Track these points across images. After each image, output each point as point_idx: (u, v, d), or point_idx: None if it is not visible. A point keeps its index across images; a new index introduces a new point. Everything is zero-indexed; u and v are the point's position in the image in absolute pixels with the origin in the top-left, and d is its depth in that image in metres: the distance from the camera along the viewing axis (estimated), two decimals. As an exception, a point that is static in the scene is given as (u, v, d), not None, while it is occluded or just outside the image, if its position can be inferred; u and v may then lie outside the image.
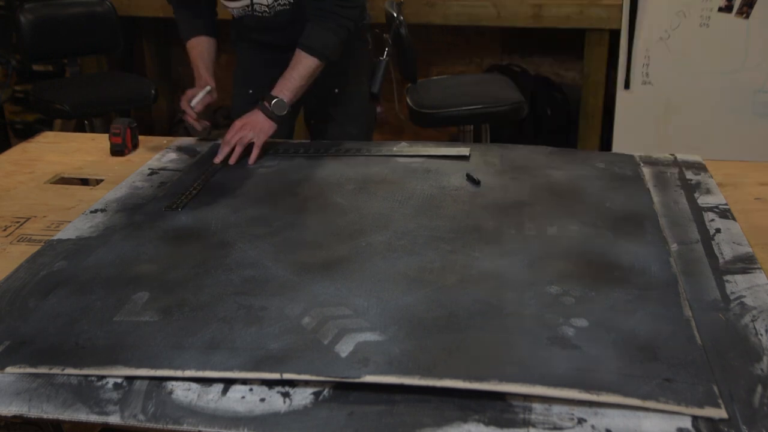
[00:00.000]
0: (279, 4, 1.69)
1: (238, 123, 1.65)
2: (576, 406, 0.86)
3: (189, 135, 1.85)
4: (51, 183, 1.59)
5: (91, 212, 1.41)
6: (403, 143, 1.72)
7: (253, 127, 1.63)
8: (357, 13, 1.72)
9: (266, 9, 1.70)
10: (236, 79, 1.94)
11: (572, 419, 0.85)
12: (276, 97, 1.64)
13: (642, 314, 1.02)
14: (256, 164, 1.62)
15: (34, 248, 1.27)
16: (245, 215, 1.37)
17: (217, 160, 1.62)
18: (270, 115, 1.64)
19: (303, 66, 1.66)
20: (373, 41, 1.95)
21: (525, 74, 3.55)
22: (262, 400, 0.89)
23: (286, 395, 0.90)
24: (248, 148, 1.63)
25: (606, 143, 3.23)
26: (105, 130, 3.21)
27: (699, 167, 1.58)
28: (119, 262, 1.21)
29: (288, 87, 1.65)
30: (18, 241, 1.31)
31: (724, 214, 1.35)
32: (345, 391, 0.90)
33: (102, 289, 1.13)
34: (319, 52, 1.67)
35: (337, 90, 1.69)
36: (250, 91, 1.87)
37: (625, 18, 2.84)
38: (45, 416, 0.89)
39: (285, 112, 1.65)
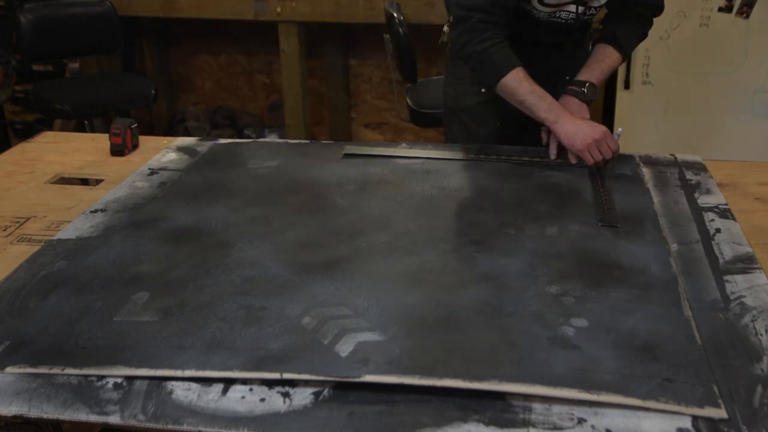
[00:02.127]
0: (586, 14, 1.68)
1: (588, 137, 1.51)
2: (576, 406, 0.86)
3: (189, 135, 1.85)
4: (51, 183, 1.59)
5: (91, 212, 1.41)
6: (403, 144, 1.72)
7: (593, 129, 1.52)
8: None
9: (573, 16, 1.67)
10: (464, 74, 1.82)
11: (572, 419, 0.85)
12: (588, 81, 1.64)
13: (642, 314, 1.02)
14: (256, 164, 1.62)
15: (34, 248, 1.27)
16: (245, 215, 1.37)
17: (554, 155, 1.60)
18: (587, 99, 1.63)
19: (612, 61, 1.69)
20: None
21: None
22: (262, 400, 0.89)
23: (286, 395, 0.90)
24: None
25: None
26: (105, 130, 3.21)
27: (699, 167, 1.58)
28: (119, 262, 1.21)
29: (595, 76, 1.66)
30: (18, 241, 1.31)
31: (724, 214, 1.35)
32: (345, 391, 0.90)
33: (102, 289, 1.13)
34: (626, 52, 1.72)
35: (568, 77, 1.69)
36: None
37: (625, 18, 2.84)
38: (45, 416, 0.89)
39: (596, 98, 1.66)
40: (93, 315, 1.06)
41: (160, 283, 1.14)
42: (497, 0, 1.58)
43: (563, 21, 1.67)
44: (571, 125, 1.53)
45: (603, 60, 1.69)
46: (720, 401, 0.86)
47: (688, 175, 1.54)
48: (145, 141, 1.81)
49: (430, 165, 1.59)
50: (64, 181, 1.62)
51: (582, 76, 1.66)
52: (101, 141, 1.82)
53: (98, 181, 1.60)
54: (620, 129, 1.60)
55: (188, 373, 0.92)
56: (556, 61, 1.76)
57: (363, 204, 1.41)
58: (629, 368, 0.91)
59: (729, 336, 0.99)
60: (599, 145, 1.51)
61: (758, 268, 1.16)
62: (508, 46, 1.60)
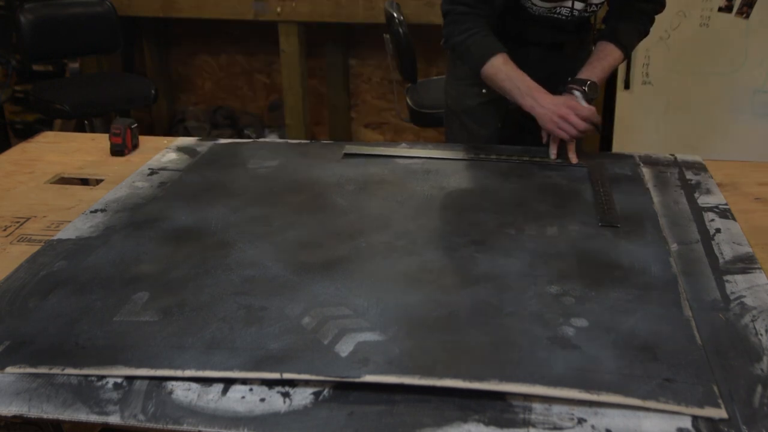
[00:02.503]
0: (587, 11, 1.67)
1: (554, 115, 1.51)
2: (576, 406, 0.86)
3: (189, 135, 1.86)
4: (51, 183, 1.59)
5: (91, 212, 1.41)
6: (403, 144, 1.72)
7: (556, 105, 1.52)
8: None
9: (573, 12, 1.66)
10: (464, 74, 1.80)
11: (572, 419, 0.85)
12: (589, 80, 1.61)
13: (642, 314, 1.02)
14: (256, 164, 1.62)
15: (34, 248, 1.27)
16: (245, 215, 1.37)
17: (554, 155, 1.58)
18: (588, 98, 1.61)
19: (613, 59, 1.68)
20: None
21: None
22: (262, 400, 0.89)
23: (286, 395, 0.90)
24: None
25: (606, 143, 3.23)
26: (105, 130, 3.21)
27: (699, 167, 1.58)
28: (119, 262, 1.21)
29: (596, 74, 1.64)
30: (18, 241, 1.31)
31: (724, 214, 1.35)
32: (345, 391, 0.90)
33: (102, 289, 1.13)
34: (627, 51, 1.70)
35: (569, 78, 1.69)
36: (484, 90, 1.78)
37: (625, 18, 2.84)
38: (45, 416, 0.89)
39: (597, 96, 1.64)
40: (93, 315, 1.06)
41: (160, 283, 1.14)
42: None
43: (563, 18, 1.66)
44: (540, 108, 1.53)
45: (604, 58, 1.67)
46: (720, 401, 0.86)
47: (688, 175, 1.54)
48: (145, 141, 1.81)
49: (430, 165, 1.59)
50: (64, 181, 1.62)
51: (583, 74, 1.65)
52: (101, 141, 1.82)
53: (98, 181, 1.60)
54: (578, 91, 1.59)
55: (188, 373, 0.92)
56: (556, 62, 1.76)
57: (363, 204, 1.41)
58: (629, 368, 0.91)
59: (729, 336, 0.99)
60: (567, 118, 1.50)
61: (758, 268, 1.16)
62: (490, 34, 1.60)
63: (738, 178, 1.53)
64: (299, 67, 3.53)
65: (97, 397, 0.90)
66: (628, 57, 1.74)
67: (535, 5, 1.64)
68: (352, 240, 1.26)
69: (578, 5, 1.64)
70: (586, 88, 1.61)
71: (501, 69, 1.57)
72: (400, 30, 2.63)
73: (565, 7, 1.64)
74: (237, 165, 1.62)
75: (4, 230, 1.36)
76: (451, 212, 1.38)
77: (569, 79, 1.67)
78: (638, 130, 3.01)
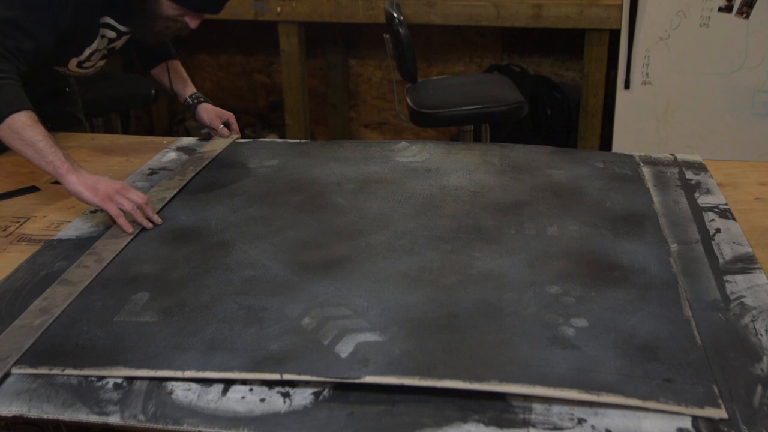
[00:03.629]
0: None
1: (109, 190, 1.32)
2: (576, 406, 0.86)
3: (189, 135, 1.87)
4: (51, 183, 1.59)
5: (91, 212, 1.41)
6: (403, 142, 1.72)
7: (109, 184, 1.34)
8: None
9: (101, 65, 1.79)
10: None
11: (572, 419, 0.85)
12: (198, 93, 1.86)
13: (642, 314, 1.02)
14: (256, 164, 1.62)
15: (34, 248, 1.27)
16: (245, 215, 1.37)
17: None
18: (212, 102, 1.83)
19: (181, 67, 1.95)
20: None
21: (525, 74, 3.56)
22: (262, 400, 0.89)
23: (286, 395, 0.90)
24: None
25: (606, 143, 3.23)
26: (105, 130, 3.22)
27: (699, 167, 1.58)
28: (119, 262, 1.21)
29: (191, 86, 1.91)
30: (18, 241, 1.31)
31: (724, 214, 1.35)
32: (345, 391, 0.90)
33: (102, 289, 1.13)
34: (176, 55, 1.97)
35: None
36: None
37: (625, 18, 2.84)
38: (45, 416, 0.89)
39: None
40: (93, 315, 1.06)
41: (160, 283, 1.14)
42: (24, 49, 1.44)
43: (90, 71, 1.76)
44: (91, 179, 1.33)
45: (182, 72, 1.91)
46: (720, 401, 0.86)
47: (688, 175, 1.54)
48: (145, 141, 1.81)
49: (430, 164, 1.59)
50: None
51: (188, 90, 1.88)
52: (101, 141, 1.82)
53: (98, 181, 1.60)
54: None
55: (188, 374, 0.92)
56: None
57: (363, 204, 1.41)
58: (629, 368, 0.91)
59: (729, 336, 0.99)
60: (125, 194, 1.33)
61: (758, 268, 1.16)
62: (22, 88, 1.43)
63: (738, 178, 1.53)
64: (299, 67, 3.53)
65: (97, 398, 0.90)
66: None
67: (71, 71, 1.71)
68: (352, 240, 1.26)
69: (101, 63, 1.75)
70: (203, 98, 1.84)
71: (39, 125, 1.39)
72: (400, 30, 2.63)
73: (96, 66, 1.75)
74: (237, 165, 1.62)
75: (4, 230, 1.36)
76: (451, 212, 1.38)
77: (192, 94, 1.85)
78: (638, 130, 3.01)
